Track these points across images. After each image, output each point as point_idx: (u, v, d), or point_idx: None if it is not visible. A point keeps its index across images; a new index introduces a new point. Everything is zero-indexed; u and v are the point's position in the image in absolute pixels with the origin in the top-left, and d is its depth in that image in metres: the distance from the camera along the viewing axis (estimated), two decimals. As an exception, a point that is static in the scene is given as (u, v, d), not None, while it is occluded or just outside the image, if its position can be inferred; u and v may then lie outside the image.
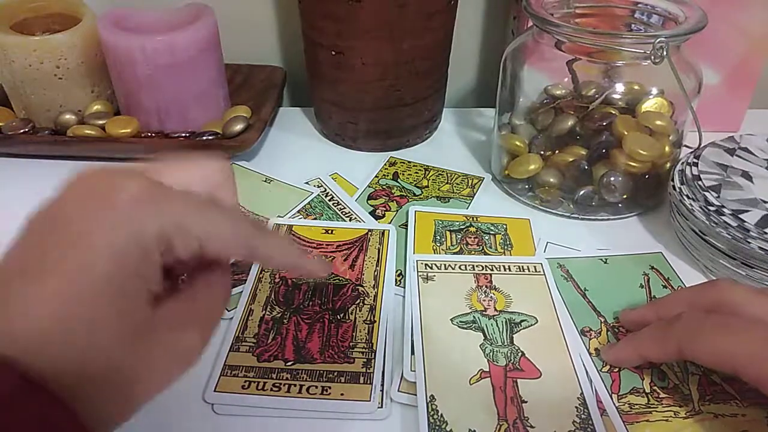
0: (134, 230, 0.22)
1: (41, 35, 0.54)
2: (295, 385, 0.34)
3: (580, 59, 0.46)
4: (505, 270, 0.42)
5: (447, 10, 0.53)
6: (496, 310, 0.39)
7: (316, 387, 0.34)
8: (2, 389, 0.19)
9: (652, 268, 0.43)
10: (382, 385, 0.34)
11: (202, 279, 0.26)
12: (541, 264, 0.43)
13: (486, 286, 0.41)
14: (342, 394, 0.34)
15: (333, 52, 0.52)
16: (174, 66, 0.51)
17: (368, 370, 0.35)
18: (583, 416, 0.32)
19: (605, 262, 0.43)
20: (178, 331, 0.24)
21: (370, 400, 0.33)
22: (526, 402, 0.33)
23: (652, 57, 0.42)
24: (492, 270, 0.42)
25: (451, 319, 0.38)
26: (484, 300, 0.40)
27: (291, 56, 0.68)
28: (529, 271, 0.42)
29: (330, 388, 0.34)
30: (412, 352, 0.36)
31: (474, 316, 0.38)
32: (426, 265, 0.42)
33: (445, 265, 0.42)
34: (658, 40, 0.41)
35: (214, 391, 0.34)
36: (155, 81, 0.52)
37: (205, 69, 0.54)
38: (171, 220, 0.23)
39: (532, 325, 0.38)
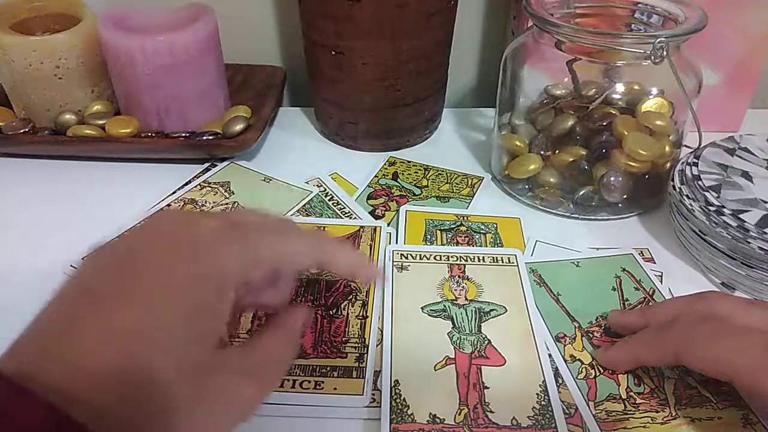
0: (215, 267, 0.22)
1: (41, 35, 0.54)
2: (288, 380, 0.34)
3: (580, 59, 0.46)
4: (479, 261, 0.43)
5: (447, 10, 0.53)
6: (466, 299, 0.40)
7: (309, 382, 0.34)
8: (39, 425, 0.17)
9: (624, 270, 0.43)
10: (375, 378, 0.35)
11: (269, 329, 0.26)
12: (515, 255, 0.43)
13: (459, 276, 0.41)
14: (335, 389, 0.34)
15: (333, 52, 0.52)
16: (174, 66, 0.51)
17: (361, 365, 0.35)
18: (543, 403, 0.33)
19: (577, 266, 0.43)
20: (236, 379, 0.23)
21: (362, 395, 0.34)
22: (488, 388, 0.34)
23: (652, 57, 0.42)
24: (466, 261, 0.43)
25: (422, 308, 0.39)
26: (455, 289, 0.40)
27: (291, 56, 0.68)
28: (502, 262, 0.43)
29: (323, 382, 0.34)
30: (381, 340, 0.36)
31: (444, 305, 0.39)
32: (401, 255, 0.43)
33: (420, 255, 0.43)
34: (658, 40, 0.41)
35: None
36: (155, 81, 0.52)
37: (205, 69, 0.54)
38: (249, 257, 0.24)
39: (501, 314, 0.39)
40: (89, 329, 0.20)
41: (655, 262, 0.44)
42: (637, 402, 0.34)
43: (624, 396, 0.34)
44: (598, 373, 0.35)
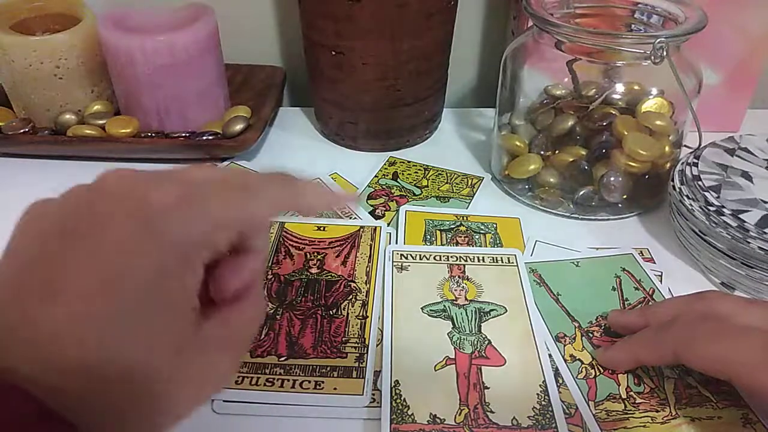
0: (177, 236, 0.21)
1: (41, 35, 0.54)
2: (288, 380, 0.34)
3: (580, 59, 0.46)
4: (478, 261, 0.43)
5: (447, 10, 0.53)
6: (466, 299, 0.40)
7: (309, 382, 0.34)
8: (13, 419, 0.17)
9: (624, 270, 0.43)
10: (375, 378, 0.35)
11: (236, 302, 0.24)
12: (515, 255, 0.43)
13: (459, 276, 0.41)
14: (335, 389, 0.34)
15: (333, 52, 0.52)
16: (174, 66, 0.51)
17: (361, 365, 0.35)
18: (543, 403, 0.33)
19: (577, 266, 0.43)
20: (215, 354, 0.23)
21: (362, 394, 0.34)
22: (488, 388, 0.34)
23: (652, 57, 0.42)
24: (466, 261, 0.43)
25: (422, 308, 0.39)
26: (455, 289, 0.40)
27: (291, 56, 0.68)
28: (502, 262, 0.43)
29: (323, 382, 0.34)
30: (381, 340, 0.36)
31: (444, 305, 0.39)
32: (401, 255, 0.43)
33: (420, 255, 0.43)
34: (658, 40, 0.41)
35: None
36: (155, 81, 0.52)
37: (205, 69, 0.54)
38: (210, 221, 0.22)
39: (501, 314, 0.39)
40: (47, 319, 0.19)
41: (654, 262, 0.44)
42: (637, 402, 0.34)
43: (624, 396, 0.34)
44: (598, 373, 0.35)
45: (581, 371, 0.36)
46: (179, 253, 0.21)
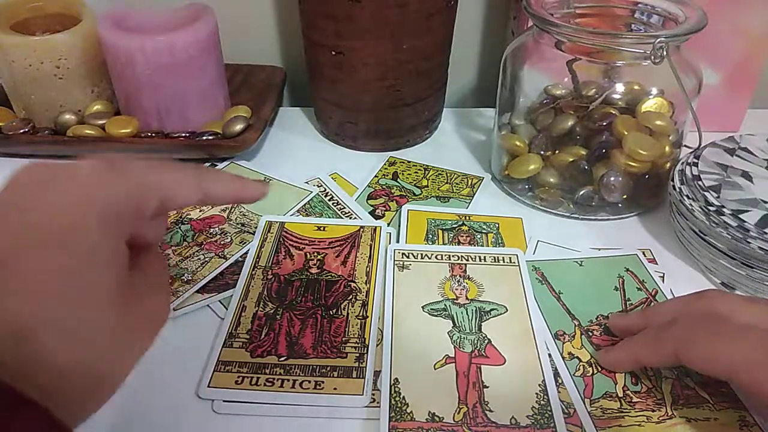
0: (107, 195, 0.22)
1: (41, 35, 0.54)
2: (288, 380, 0.34)
3: (580, 59, 0.46)
4: (480, 260, 0.43)
5: (447, 11, 0.53)
6: (467, 298, 0.40)
7: (309, 382, 0.34)
8: None
9: (627, 270, 0.43)
10: (375, 378, 0.35)
11: (144, 256, 0.26)
12: (516, 255, 0.43)
13: (460, 276, 0.41)
14: (335, 389, 0.34)
15: (333, 52, 0.52)
16: (174, 66, 0.51)
17: (361, 365, 0.35)
18: (542, 402, 0.33)
19: (581, 265, 0.43)
20: (152, 295, 0.25)
21: (362, 395, 0.34)
22: (487, 387, 0.34)
23: (652, 57, 0.42)
24: (467, 260, 0.43)
25: (423, 307, 0.39)
26: (456, 289, 0.40)
27: (291, 56, 0.68)
28: (503, 261, 0.43)
29: (323, 382, 0.34)
30: (381, 340, 0.37)
31: (445, 304, 0.39)
32: (403, 254, 0.43)
33: (421, 254, 0.43)
34: (658, 40, 0.41)
35: (208, 386, 0.34)
36: (155, 81, 0.52)
37: (205, 69, 0.54)
38: (134, 182, 0.24)
39: (501, 314, 0.39)
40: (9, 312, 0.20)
41: (657, 263, 0.44)
42: (633, 401, 0.34)
43: (621, 394, 0.34)
44: (595, 371, 0.35)
45: (579, 369, 0.36)
46: (113, 208, 0.22)
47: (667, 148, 0.47)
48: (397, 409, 0.32)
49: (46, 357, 0.20)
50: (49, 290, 0.20)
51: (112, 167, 0.24)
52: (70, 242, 0.21)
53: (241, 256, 0.44)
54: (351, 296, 0.40)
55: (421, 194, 0.51)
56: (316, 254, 0.44)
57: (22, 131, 0.53)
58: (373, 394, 0.34)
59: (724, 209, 0.41)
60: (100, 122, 0.54)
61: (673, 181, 0.46)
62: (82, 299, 0.21)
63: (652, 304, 0.40)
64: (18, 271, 0.20)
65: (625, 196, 0.47)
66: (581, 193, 0.48)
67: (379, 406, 0.33)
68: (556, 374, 0.35)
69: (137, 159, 0.26)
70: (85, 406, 0.22)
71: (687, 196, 0.43)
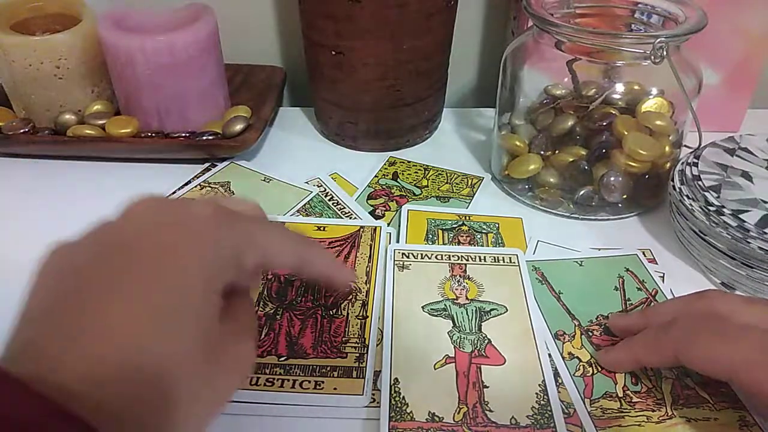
0: (217, 246, 0.23)
1: (41, 35, 0.54)
2: (288, 380, 0.34)
3: (580, 59, 0.46)
4: (480, 260, 0.43)
5: (447, 11, 0.53)
6: (467, 298, 0.40)
7: (309, 382, 0.34)
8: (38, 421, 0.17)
9: (627, 270, 0.43)
10: (375, 378, 0.35)
11: (236, 304, 0.26)
12: (516, 255, 0.43)
13: (460, 276, 0.41)
14: (335, 389, 0.34)
15: (333, 52, 0.52)
16: (174, 66, 0.51)
17: (361, 365, 0.35)
18: (542, 402, 0.33)
19: (581, 265, 0.43)
20: (239, 343, 0.24)
21: (362, 394, 0.34)
22: (487, 387, 0.34)
23: (652, 57, 0.42)
24: (467, 260, 0.43)
25: (423, 307, 0.39)
26: (456, 289, 0.40)
27: (291, 56, 0.68)
28: (503, 261, 0.43)
29: (323, 382, 0.34)
30: (381, 340, 0.37)
31: (445, 304, 0.39)
32: (402, 254, 0.43)
33: (421, 254, 0.43)
34: (658, 40, 0.41)
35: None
36: (155, 81, 0.52)
37: (205, 69, 0.54)
38: (244, 237, 0.24)
39: (501, 314, 0.39)
40: (86, 326, 0.20)
41: (657, 263, 0.44)
42: (633, 401, 0.34)
43: (620, 394, 0.34)
44: (595, 371, 0.35)
45: (579, 369, 0.36)
46: (220, 259, 0.23)
47: (667, 148, 0.47)
48: (397, 409, 0.32)
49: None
50: (126, 340, 0.20)
51: (228, 216, 0.24)
52: (166, 288, 0.21)
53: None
54: (351, 296, 0.40)
55: (421, 194, 0.51)
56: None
57: (22, 131, 0.53)
58: (373, 394, 0.34)
59: (724, 209, 0.41)
60: (100, 122, 0.54)
61: (673, 181, 0.46)
62: (163, 354, 0.20)
63: (652, 304, 0.40)
64: (97, 317, 0.20)
65: (625, 196, 0.47)
66: (581, 193, 0.48)
67: (379, 406, 0.33)
68: (556, 374, 0.35)
69: (245, 205, 0.27)
70: None
71: (687, 196, 0.43)
